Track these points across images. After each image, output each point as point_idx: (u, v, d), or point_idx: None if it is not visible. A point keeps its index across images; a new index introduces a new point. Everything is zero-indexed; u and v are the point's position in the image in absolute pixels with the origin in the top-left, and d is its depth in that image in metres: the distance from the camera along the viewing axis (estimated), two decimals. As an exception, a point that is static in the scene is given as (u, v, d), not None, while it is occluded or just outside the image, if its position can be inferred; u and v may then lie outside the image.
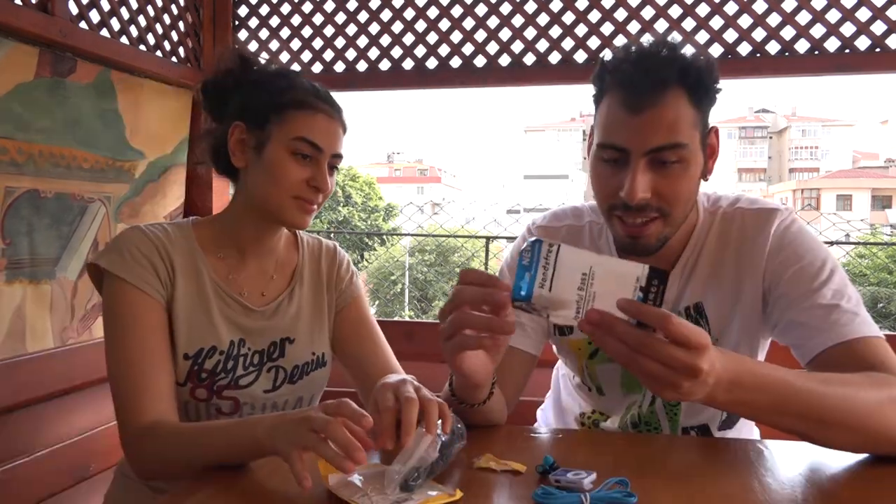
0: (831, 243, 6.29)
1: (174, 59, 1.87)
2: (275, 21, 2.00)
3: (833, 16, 1.65)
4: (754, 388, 0.81)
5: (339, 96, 1.22)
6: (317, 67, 2.00)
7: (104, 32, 1.64)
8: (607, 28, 1.79)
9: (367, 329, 1.29)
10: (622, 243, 1.10)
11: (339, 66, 1.98)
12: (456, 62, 1.90)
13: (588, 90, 1.11)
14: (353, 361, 1.26)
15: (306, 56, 2.00)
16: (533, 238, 0.78)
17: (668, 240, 1.08)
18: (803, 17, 1.67)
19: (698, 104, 1.01)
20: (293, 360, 1.21)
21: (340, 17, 1.97)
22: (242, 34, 2.03)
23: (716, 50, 1.74)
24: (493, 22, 1.86)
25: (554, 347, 1.32)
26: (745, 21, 1.71)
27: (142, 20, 1.75)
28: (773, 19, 1.69)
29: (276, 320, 1.21)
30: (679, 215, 1.05)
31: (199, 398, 1.12)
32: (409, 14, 1.91)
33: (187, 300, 1.12)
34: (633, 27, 1.77)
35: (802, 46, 1.68)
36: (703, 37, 1.74)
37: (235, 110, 1.16)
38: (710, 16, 1.73)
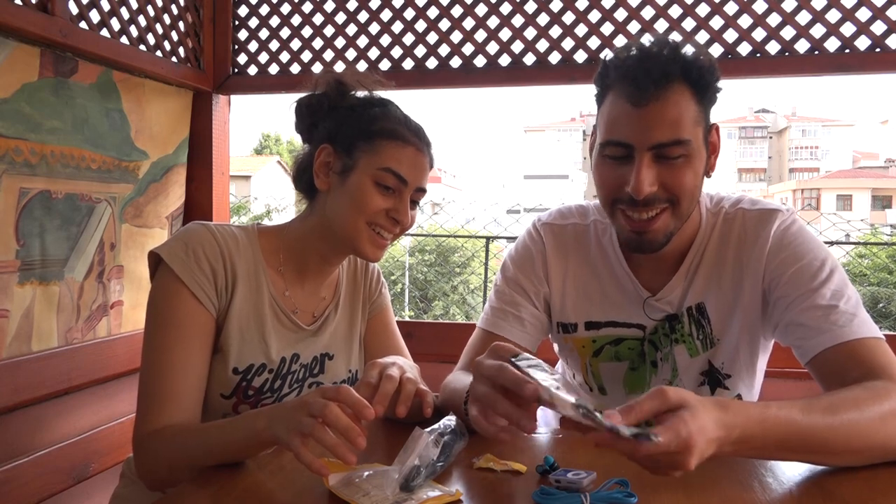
0: (831, 243, 6.28)
1: (174, 59, 1.87)
2: (275, 21, 2.00)
3: (833, 16, 1.65)
4: (762, 436, 0.80)
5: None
6: (317, 67, 2.00)
7: (104, 32, 1.64)
8: (607, 28, 1.79)
9: (391, 338, 1.30)
10: (627, 239, 1.09)
11: (339, 67, 1.98)
12: (456, 62, 1.90)
13: (588, 90, 1.11)
14: None
15: (306, 56, 2.00)
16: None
17: (673, 235, 1.07)
18: (803, 17, 1.67)
19: (701, 101, 1.02)
20: (332, 376, 1.21)
21: (340, 17, 1.97)
22: (242, 34, 2.03)
23: (716, 50, 1.74)
24: (493, 22, 1.86)
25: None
26: (745, 21, 1.71)
27: (142, 20, 1.75)
28: (773, 19, 1.69)
29: (320, 336, 1.20)
30: (686, 208, 1.05)
31: (240, 413, 1.09)
32: (409, 14, 1.91)
33: (243, 312, 1.10)
34: (633, 27, 1.77)
35: (802, 46, 1.68)
36: (703, 37, 1.74)
37: (325, 133, 1.14)
38: (710, 16, 1.73)
